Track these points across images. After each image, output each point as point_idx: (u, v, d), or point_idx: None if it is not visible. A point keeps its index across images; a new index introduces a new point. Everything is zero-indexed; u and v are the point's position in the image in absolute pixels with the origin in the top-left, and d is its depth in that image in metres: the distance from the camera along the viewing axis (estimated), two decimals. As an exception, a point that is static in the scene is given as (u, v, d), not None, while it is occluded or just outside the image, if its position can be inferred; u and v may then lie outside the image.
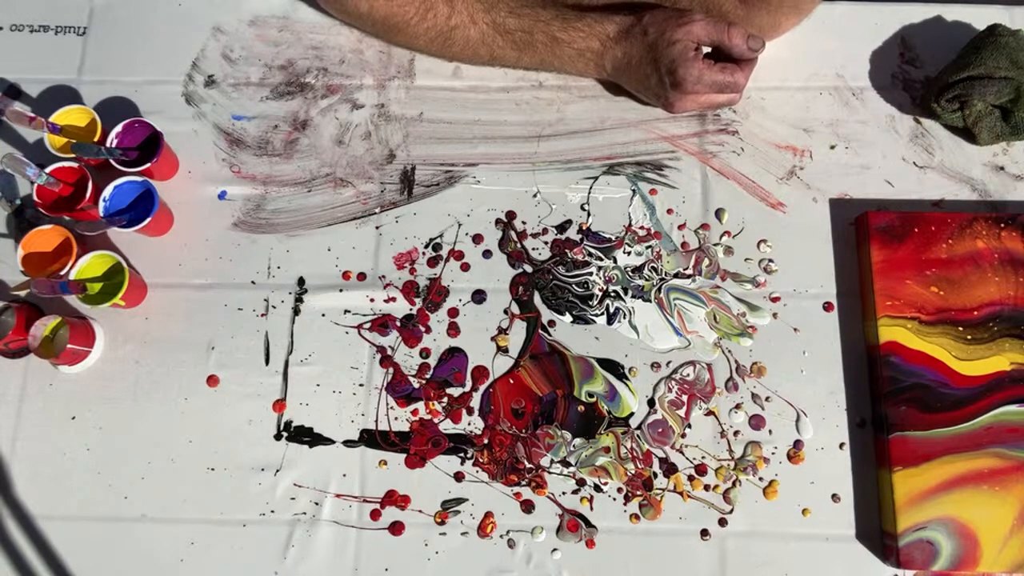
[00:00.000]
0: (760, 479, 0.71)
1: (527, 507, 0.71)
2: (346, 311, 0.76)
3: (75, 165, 0.75)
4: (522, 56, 0.79)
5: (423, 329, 0.76)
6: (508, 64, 0.81)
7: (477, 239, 0.78)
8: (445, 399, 0.74)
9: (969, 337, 0.71)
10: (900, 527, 0.67)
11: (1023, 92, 0.76)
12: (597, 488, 0.71)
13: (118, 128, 0.76)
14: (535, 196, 0.79)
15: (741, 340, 0.75)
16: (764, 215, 0.78)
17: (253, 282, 0.77)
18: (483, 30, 0.77)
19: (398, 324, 0.76)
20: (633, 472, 0.72)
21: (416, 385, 0.74)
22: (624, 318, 0.76)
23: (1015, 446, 0.68)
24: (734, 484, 0.71)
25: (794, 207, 0.79)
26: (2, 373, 0.75)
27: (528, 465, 0.72)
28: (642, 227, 0.78)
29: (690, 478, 0.71)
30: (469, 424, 0.73)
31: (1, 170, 0.71)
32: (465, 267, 0.77)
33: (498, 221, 0.79)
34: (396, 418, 0.73)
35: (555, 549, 0.70)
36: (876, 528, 0.70)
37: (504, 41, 0.77)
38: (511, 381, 0.74)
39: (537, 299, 0.76)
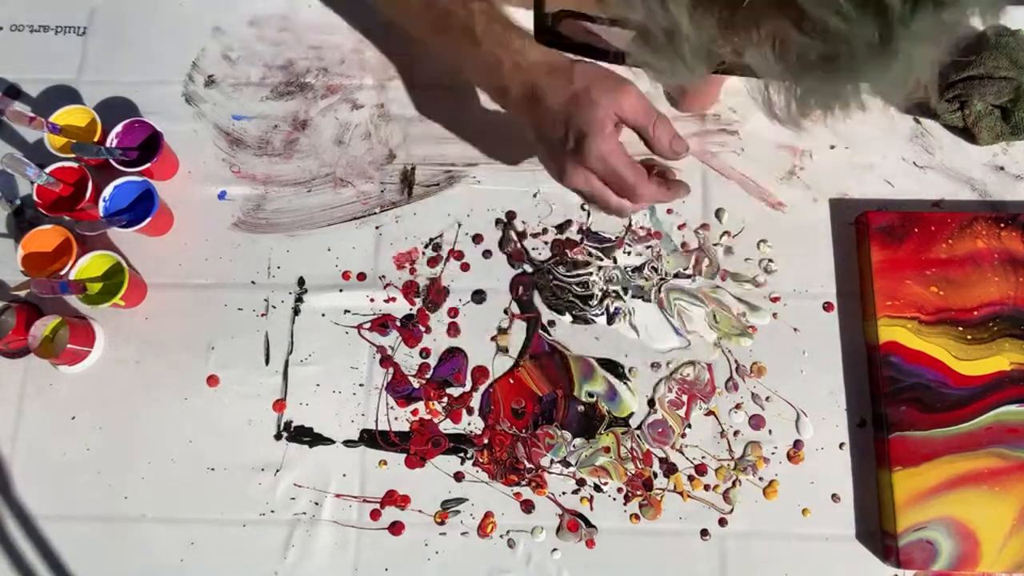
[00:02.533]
0: (760, 479, 0.71)
1: (527, 507, 0.71)
2: (346, 311, 0.76)
3: (75, 165, 0.75)
4: (434, 38, 0.69)
5: (423, 329, 0.76)
6: (413, 35, 0.72)
7: (477, 239, 0.78)
8: (445, 399, 0.74)
9: (969, 337, 0.71)
10: (900, 527, 0.67)
11: (1023, 92, 0.76)
12: (597, 488, 0.71)
13: (118, 128, 0.76)
14: (535, 196, 0.79)
15: (741, 340, 0.75)
16: (764, 215, 0.78)
17: (253, 282, 0.77)
18: None
19: (398, 324, 0.76)
20: (633, 472, 0.72)
21: (416, 385, 0.74)
22: (624, 318, 0.76)
23: (1015, 446, 0.68)
24: (734, 484, 0.71)
25: (794, 207, 0.79)
26: (2, 373, 0.75)
27: (528, 465, 0.72)
28: (642, 227, 0.78)
29: (690, 478, 0.71)
30: (469, 424, 0.73)
31: (1, 170, 0.71)
32: (465, 267, 0.77)
33: (498, 221, 0.79)
34: (396, 418, 0.73)
35: (555, 549, 0.70)
36: (876, 528, 0.70)
37: (428, 11, 0.67)
38: (511, 381, 0.74)
39: (537, 299, 0.76)
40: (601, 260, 0.77)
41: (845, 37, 0.24)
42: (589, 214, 0.79)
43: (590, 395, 0.74)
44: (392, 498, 0.71)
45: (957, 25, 0.25)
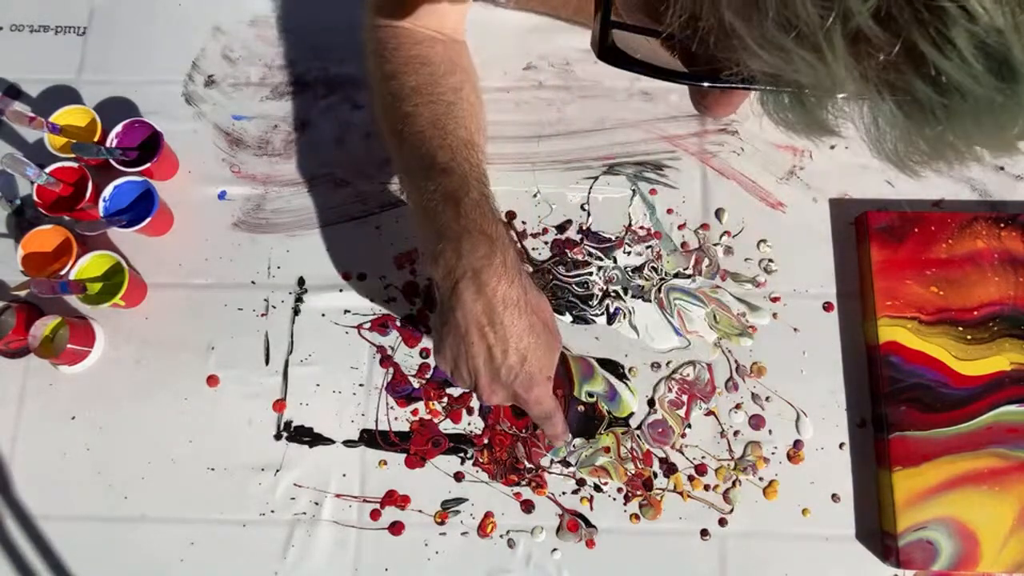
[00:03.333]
0: (760, 479, 0.71)
1: (527, 507, 0.71)
2: (346, 311, 0.76)
3: (75, 165, 0.75)
4: (398, 153, 0.65)
5: (423, 329, 0.76)
6: (391, 153, 0.68)
7: (477, 239, 0.78)
8: (445, 399, 0.74)
9: (969, 337, 0.71)
10: (900, 527, 0.67)
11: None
12: (597, 488, 0.71)
13: (118, 128, 0.76)
14: (535, 196, 0.79)
15: (741, 340, 0.75)
16: (764, 215, 0.78)
17: (253, 282, 0.77)
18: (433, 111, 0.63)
19: (398, 324, 0.76)
20: (633, 472, 0.72)
21: (416, 385, 0.74)
22: (624, 318, 0.76)
23: (1015, 446, 0.68)
24: (734, 484, 0.71)
25: (794, 207, 0.79)
26: (2, 373, 0.75)
27: (528, 465, 0.72)
28: (642, 227, 0.78)
29: (690, 478, 0.71)
30: (469, 424, 0.73)
31: (1, 170, 0.71)
32: (465, 267, 0.77)
33: (498, 221, 0.79)
34: (396, 418, 0.73)
35: (555, 549, 0.70)
36: (876, 528, 0.70)
37: (408, 131, 0.63)
38: (511, 381, 0.74)
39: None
40: (601, 260, 0.77)
41: (972, 95, 0.24)
42: (589, 214, 0.79)
43: (590, 395, 0.74)
44: (392, 498, 0.71)
45: None
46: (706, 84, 0.33)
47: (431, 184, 0.59)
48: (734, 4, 0.26)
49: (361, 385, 0.74)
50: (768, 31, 0.25)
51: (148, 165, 0.75)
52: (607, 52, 0.37)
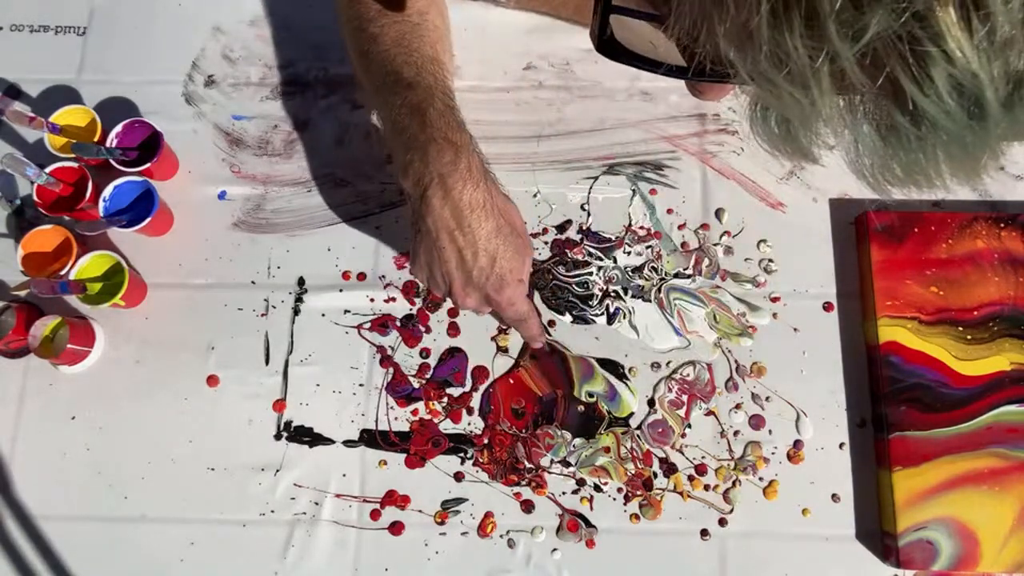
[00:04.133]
0: (760, 479, 0.71)
1: (527, 507, 0.71)
2: (346, 311, 0.76)
3: (75, 165, 0.75)
4: (366, 73, 0.67)
5: (423, 329, 0.76)
6: (358, 74, 0.70)
7: (477, 239, 0.78)
8: (445, 399, 0.74)
9: (969, 337, 0.71)
10: (900, 527, 0.67)
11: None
12: (597, 488, 0.71)
13: (118, 128, 0.76)
14: (535, 196, 0.79)
15: (741, 340, 0.75)
16: (764, 215, 0.78)
17: (253, 282, 0.77)
18: (399, 30, 0.65)
19: (398, 324, 0.76)
20: (633, 472, 0.72)
21: (416, 385, 0.74)
22: (624, 318, 0.76)
23: (1015, 446, 0.68)
24: (734, 484, 0.71)
25: (794, 207, 0.79)
26: (2, 373, 0.75)
27: (528, 465, 0.72)
28: (642, 227, 0.78)
29: (690, 478, 0.71)
30: (469, 424, 0.73)
31: (1, 170, 0.71)
32: (465, 267, 0.77)
33: (498, 221, 0.79)
34: (396, 418, 0.73)
35: (555, 549, 0.70)
36: (876, 528, 0.70)
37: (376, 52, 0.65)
38: (511, 381, 0.74)
39: (537, 299, 0.76)
40: (601, 260, 0.77)
41: (945, 129, 0.26)
42: (589, 214, 0.79)
43: (590, 395, 0.74)
44: (392, 498, 0.71)
45: None
46: (703, 79, 0.34)
47: (397, 99, 0.61)
48: (730, 34, 0.27)
49: (361, 385, 0.74)
50: (760, 65, 0.27)
51: (148, 165, 0.75)
52: (605, 45, 0.37)
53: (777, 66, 0.26)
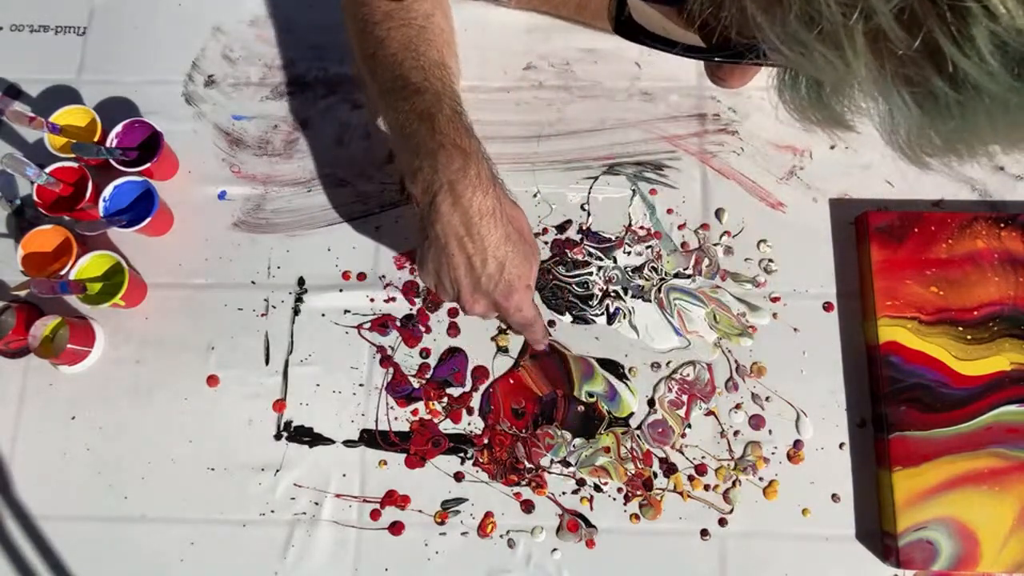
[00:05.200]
0: (760, 479, 0.71)
1: (527, 507, 0.71)
2: (346, 311, 0.76)
3: (75, 165, 0.75)
4: (372, 76, 0.66)
5: (423, 329, 0.76)
6: (365, 77, 0.69)
7: (477, 239, 0.78)
8: (445, 399, 0.74)
9: (969, 337, 0.71)
10: (900, 527, 0.67)
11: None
12: (597, 488, 0.71)
13: (118, 128, 0.76)
14: (535, 196, 0.79)
15: (741, 340, 0.75)
16: (764, 215, 0.78)
17: (253, 282, 0.77)
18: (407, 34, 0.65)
19: (398, 324, 0.76)
20: (633, 472, 0.72)
21: (416, 385, 0.74)
22: (624, 318, 0.76)
23: (1015, 446, 0.68)
24: (734, 484, 0.71)
25: (794, 207, 0.79)
26: (2, 373, 0.75)
27: (528, 465, 0.72)
28: (642, 227, 0.78)
29: (690, 478, 0.71)
30: (469, 424, 0.73)
31: (1, 170, 0.71)
32: (465, 267, 0.77)
33: (498, 221, 0.79)
34: (396, 418, 0.73)
35: (555, 549, 0.70)
36: (876, 528, 0.70)
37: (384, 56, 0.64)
38: (511, 381, 0.74)
39: (537, 299, 0.76)
40: (601, 260, 0.77)
41: (988, 93, 0.24)
42: (589, 214, 0.79)
43: (590, 395, 0.74)
44: (392, 498, 0.71)
45: None
46: (724, 60, 0.33)
47: (405, 104, 0.61)
48: None
49: (361, 385, 0.74)
50: (790, 26, 0.25)
51: (148, 165, 0.75)
52: (623, 25, 0.37)
53: (808, 25, 0.25)
